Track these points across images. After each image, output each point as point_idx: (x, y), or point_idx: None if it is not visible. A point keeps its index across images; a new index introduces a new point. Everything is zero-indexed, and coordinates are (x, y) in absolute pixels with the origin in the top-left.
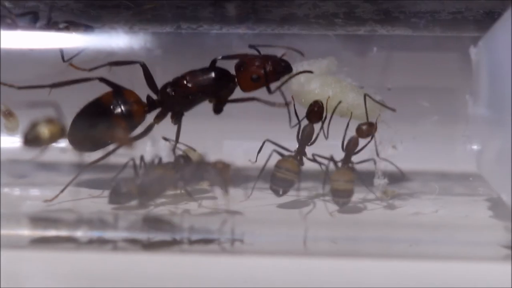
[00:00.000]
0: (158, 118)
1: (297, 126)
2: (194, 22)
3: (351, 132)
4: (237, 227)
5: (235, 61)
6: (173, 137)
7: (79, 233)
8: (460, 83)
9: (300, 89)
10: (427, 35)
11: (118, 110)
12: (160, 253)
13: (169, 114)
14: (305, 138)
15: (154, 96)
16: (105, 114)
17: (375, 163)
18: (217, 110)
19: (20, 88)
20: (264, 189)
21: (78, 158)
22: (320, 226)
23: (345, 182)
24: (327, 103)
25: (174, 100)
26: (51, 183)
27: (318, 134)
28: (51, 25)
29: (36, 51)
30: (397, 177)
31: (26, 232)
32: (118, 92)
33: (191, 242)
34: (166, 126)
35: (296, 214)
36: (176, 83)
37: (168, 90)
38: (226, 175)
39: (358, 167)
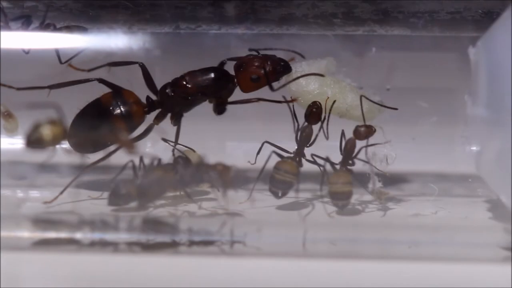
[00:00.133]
0: (158, 119)
1: (296, 127)
2: (193, 22)
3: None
4: (237, 229)
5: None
6: (173, 138)
7: (79, 235)
8: (459, 83)
9: (299, 90)
10: (425, 35)
11: (118, 111)
12: (159, 254)
13: (169, 115)
14: (303, 140)
15: (154, 97)
16: (105, 115)
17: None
18: (219, 111)
19: (19, 89)
20: (263, 190)
21: (78, 160)
22: (319, 227)
23: (343, 184)
24: (325, 103)
25: (174, 100)
26: (51, 184)
27: (317, 135)
28: (44, 27)
29: (36, 51)
30: (393, 179)
31: (26, 234)
32: (118, 93)
33: (191, 244)
34: (166, 127)
35: (295, 215)
36: (175, 83)
37: (168, 90)
38: (226, 177)
39: (355, 168)
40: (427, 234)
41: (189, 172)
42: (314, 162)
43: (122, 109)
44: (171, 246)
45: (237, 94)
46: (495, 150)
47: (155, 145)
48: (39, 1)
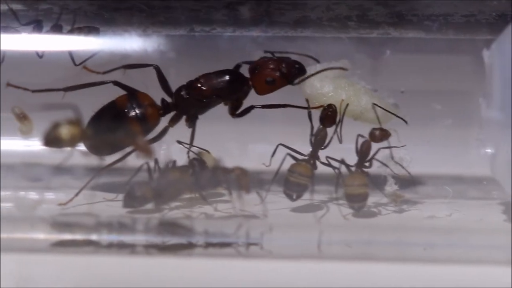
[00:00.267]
0: (173, 121)
1: (310, 130)
2: (207, 24)
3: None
4: (253, 231)
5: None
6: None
7: (94, 237)
8: (474, 86)
9: (314, 92)
10: (440, 38)
11: (133, 113)
12: (175, 256)
13: (184, 118)
14: (318, 142)
15: (169, 99)
16: (120, 117)
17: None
18: (237, 114)
19: (34, 91)
20: (278, 192)
21: (94, 162)
22: (334, 229)
23: (359, 186)
24: (340, 106)
25: (189, 103)
26: (66, 186)
27: (331, 138)
28: (54, 28)
29: (50, 54)
30: (409, 182)
31: (42, 235)
32: (133, 95)
33: (207, 246)
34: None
35: (310, 217)
36: (190, 86)
37: (183, 93)
38: (243, 181)
39: (371, 170)
40: (442, 236)
41: (204, 174)
42: (329, 165)
43: (137, 111)
44: (187, 248)
45: (252, 96)
46: (510, 152)
47: (170, 147)
48: (53, 4)
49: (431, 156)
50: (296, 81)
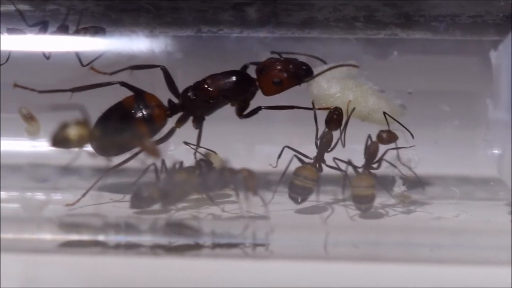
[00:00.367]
0: (180, 122)
1: (315, 133)
2: (214, 25)
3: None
4: (259, 232)
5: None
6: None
7: (101, 237)
8: (481, 87)
9: (321, 93)
10: (447, 38)
11: (140, 114)
12: (182, 257)
13: (191, 118)
14: (324, 145)
15: (176, 100)
16: (127, 118)
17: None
18: (244, 114)
19: (41, 92)
20: (284, 193)
21: (102, 162)
22: (341, 230)
23: (366, 187)
24: (347, 107)
25: (196, 104)
26: (73, 187)
27: (337, 141)
28: (60, 29)
29: (57, 55)
30: (416, 183)
31: (49, 236)
32: (140, 96)
33: (214, 246)
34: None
35: (317, 218)
36: (197, 87)
37: (189, 94)
38: (250, 183)
39: (378, 171)
40: (449, 237)
41: (211, 175)
42: (335, 168)
43: (144, 112)
44: (194, 249)
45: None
46: None
47: (177, 148)
48: (60, 4)
49: (438, 157)
50: (303, 82)
